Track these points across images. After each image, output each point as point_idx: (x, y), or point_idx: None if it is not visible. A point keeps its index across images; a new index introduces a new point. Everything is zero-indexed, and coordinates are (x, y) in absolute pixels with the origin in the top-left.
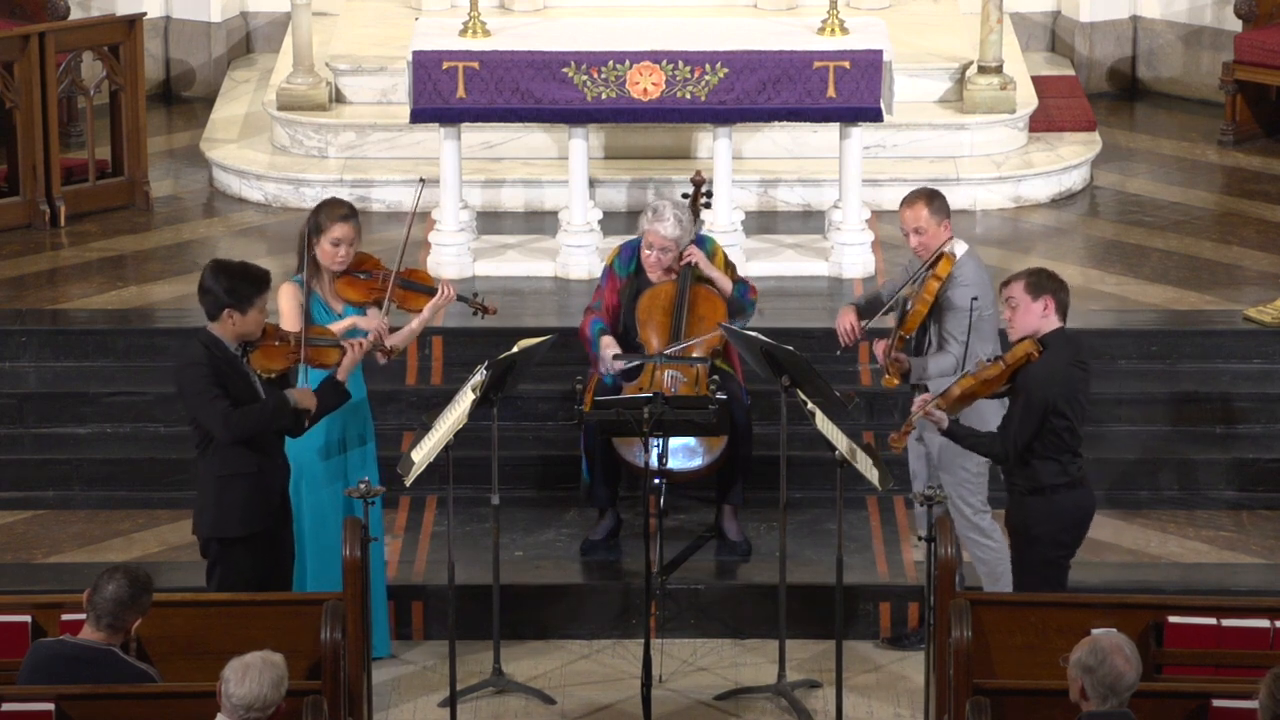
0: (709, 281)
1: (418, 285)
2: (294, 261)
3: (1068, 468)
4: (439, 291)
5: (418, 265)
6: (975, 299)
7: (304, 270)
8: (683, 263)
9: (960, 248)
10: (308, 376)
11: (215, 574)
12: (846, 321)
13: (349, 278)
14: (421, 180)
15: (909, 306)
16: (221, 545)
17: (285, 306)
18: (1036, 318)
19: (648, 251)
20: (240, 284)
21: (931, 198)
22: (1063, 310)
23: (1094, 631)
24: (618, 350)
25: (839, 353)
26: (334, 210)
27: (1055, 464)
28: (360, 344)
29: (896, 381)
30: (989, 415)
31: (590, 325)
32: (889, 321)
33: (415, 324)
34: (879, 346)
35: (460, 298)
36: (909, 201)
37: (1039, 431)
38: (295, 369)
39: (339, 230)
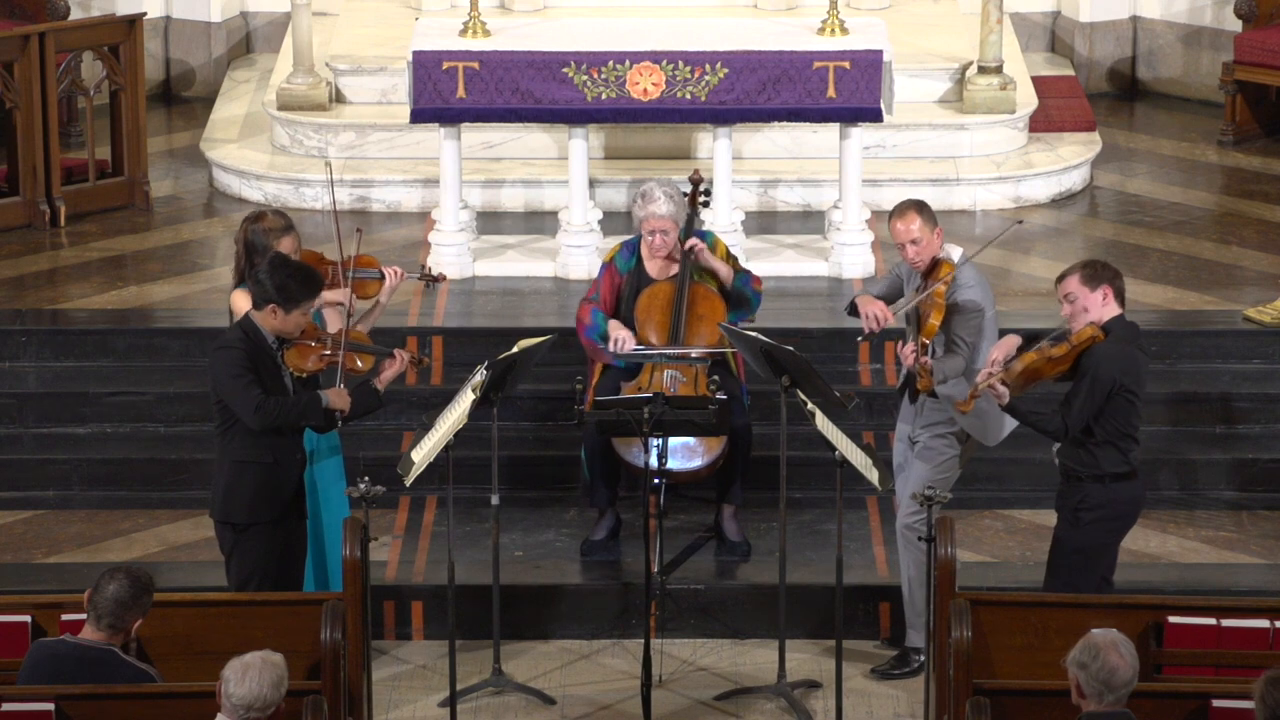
0: (711, 273)
1: (366, 272)
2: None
3: (1129, 455)
4: (388, 276)
5: (418, 262)
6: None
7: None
8: (685, 248)
9: (955, 253)
10: (340, 379)
11: (233, 562)
12: (876, 307)
13: None
14: (328, 163)
15: (923, 314)
16: (235, 532)
17: (242, 310)
18: (1097, 307)
19: (650, 237)
20: (292, 283)
21: (921, 207)
22: (1120, 296)
23: (1093, 631)
24: (628, 333)
25: (859, 340)
26: (275, 225)
27: (1117, 451)
28: (403, 354)
29: (930, 383)
30: (992, 418)
31: (591, 313)
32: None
33: (376, 311)
34: (907, 352)
35: (410, 275)
36: (900, 213)
37: (1101, 411)
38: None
39: (287, 243)
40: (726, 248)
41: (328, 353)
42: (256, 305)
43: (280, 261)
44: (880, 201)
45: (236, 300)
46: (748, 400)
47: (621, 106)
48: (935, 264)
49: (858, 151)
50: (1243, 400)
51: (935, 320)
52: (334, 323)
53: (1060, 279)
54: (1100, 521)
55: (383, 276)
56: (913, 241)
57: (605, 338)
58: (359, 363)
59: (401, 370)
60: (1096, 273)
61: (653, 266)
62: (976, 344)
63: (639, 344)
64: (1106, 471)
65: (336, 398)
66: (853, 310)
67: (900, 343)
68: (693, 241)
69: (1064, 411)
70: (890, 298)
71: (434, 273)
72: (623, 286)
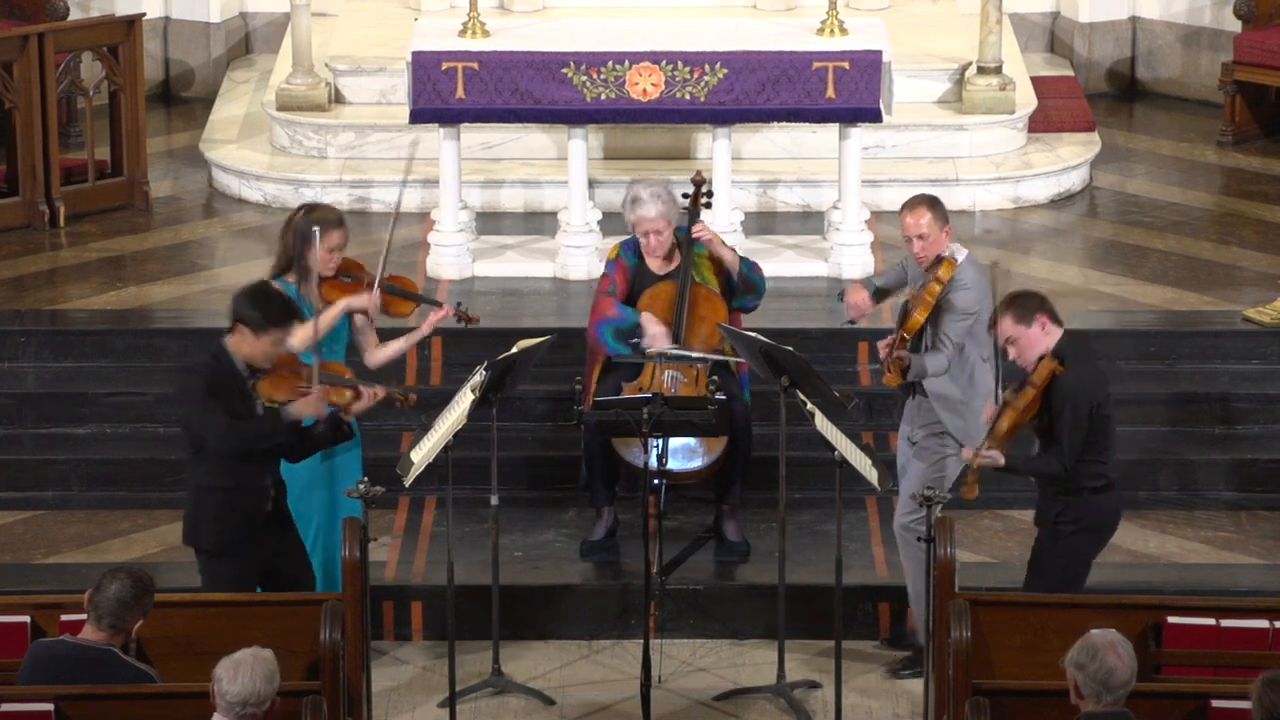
0: (714, 267)
1: (401, 291)
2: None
3: (1105, 470)
4: (446, 309)
5: (416, 265)
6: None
7: (293, 274)
8: (694, 235)
9: (960, 252)
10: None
11: (204, 588)
12: (859, 295)
13: (335, 281)
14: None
15: (910, 309)
16: (201, 556)
17: None
18: (1041, 339)
19: (645, 239)
20: (264, 308)
21: (933, 203)
22: (1055, 317)
23: (1091, 631)
24: (664, 329)
25: (847, 323)
26: (328, 217)
27: (1094, 466)
28: (376, 392)
29: (898, 380)
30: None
31: (616, 306)
32: (885, 318)
33: (413, 337)
34: (881, 345)
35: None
36: (910, 207)
37: (1088, 436)
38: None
39: (336, 237)
40: (721, 240)
41: (303, 385)
42: (231, 326)
43: (255, 291)
44: (879, 202)
45: None
46: (748, 398)
47: (621, 107)
48: (938, 261)
49: (857, 152)
50: (1242, 400)
51: (920, 316)
52: (364, 303)
53: (992, 325)
54: (1080, 533)
55: (413, 298)
56: (920, 236)
57: (634, 329)
58: (334, 397)
59: (370, 406)
60: (1025, 308)
61: (654, 262)
62: (964, 346)
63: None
64: (1083, 486)
65: (302, 406)
66: (842, 298)
67: (878, 340)
68: (699, 230)
69: (1056, 453)
70: (893, 289)
71: (468, 312)
72: (628, 284)
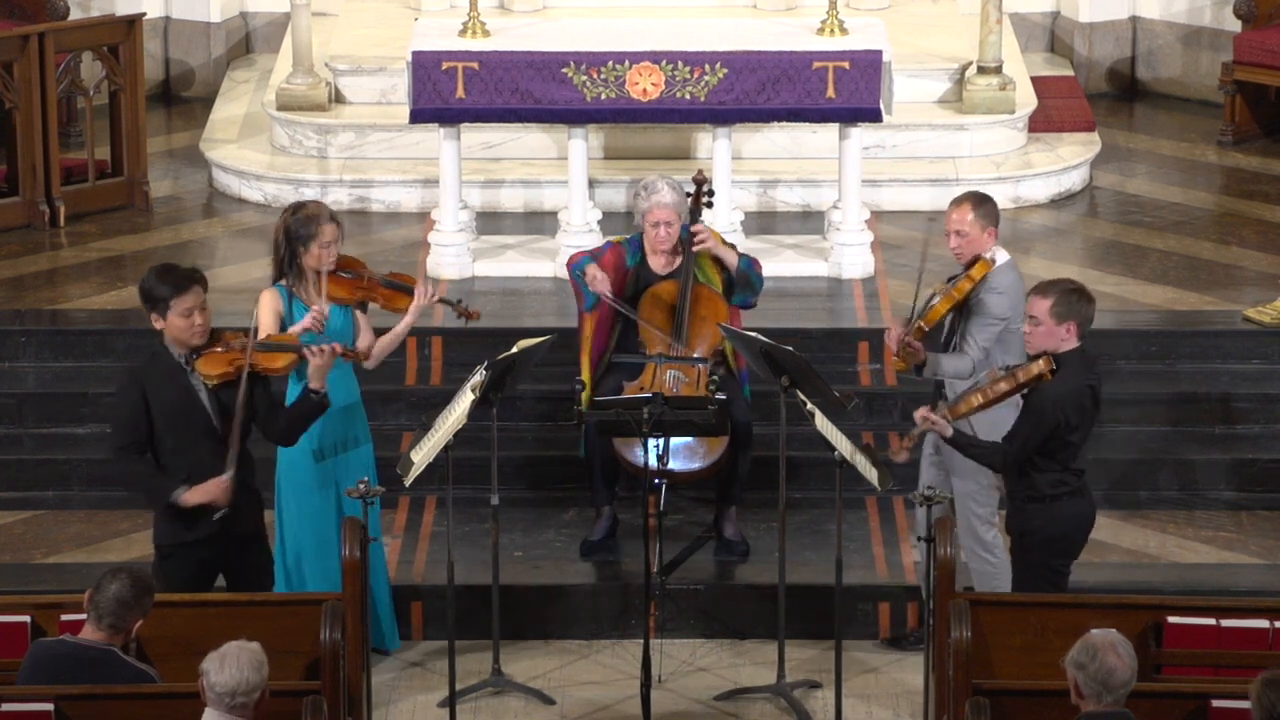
0: (716, 265)
1: (402, 285)
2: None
3: (1066, 479)
4: (420, 293)
5: (417, 265)
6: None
7: (287, 278)
8: (694, 246)
9: (1001, 256)
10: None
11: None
12: (897, 328)
13: (335, 277)
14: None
15: (934, 301)
16: (160, 557)
17: (265, 317)
18: (1057, 339)
19: (655, 229)
20: (156, 286)
21: (979, 202)
22: (1085, 327)
23: (1091, 631)
24: (605, 277)
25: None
26: (319, 213)
27: (1054, 475)
28: (327, 349)
29: (905, 366)
30: (1003, 416)
31: (581, 257)
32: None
33: (400, 328)
34: (892, 332)
35: (444, 300)
36: (957, 203)
37: (1042, 446)
38: (281, 377)
39: (330, 232)
40: (721, 237)
41: (236, 356)
42: (149, 317)
43: (147, 275)
44: (880, 202)
45: (263, 302)
46: (747, 393)
47: (621, 107)
48: (975, 261)
49: (857, 152)
50: (1242, 400)
51: (942, 307)
52: (363, 331)
53: (1036, 292)
54: (1046, 543)
55: (411, 291)
56: (958, 232)
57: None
58: (278, 362)
59: (324, 363)
60: (1069, 306)
61: (656, 262)
62: (990, 350)
63: (638, 345)
64: (1044, 493)
65: (192, 494)
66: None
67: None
68: (698, 229)
69: (1003, 449)
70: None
71: (467, 307)
72: (626, 281)
